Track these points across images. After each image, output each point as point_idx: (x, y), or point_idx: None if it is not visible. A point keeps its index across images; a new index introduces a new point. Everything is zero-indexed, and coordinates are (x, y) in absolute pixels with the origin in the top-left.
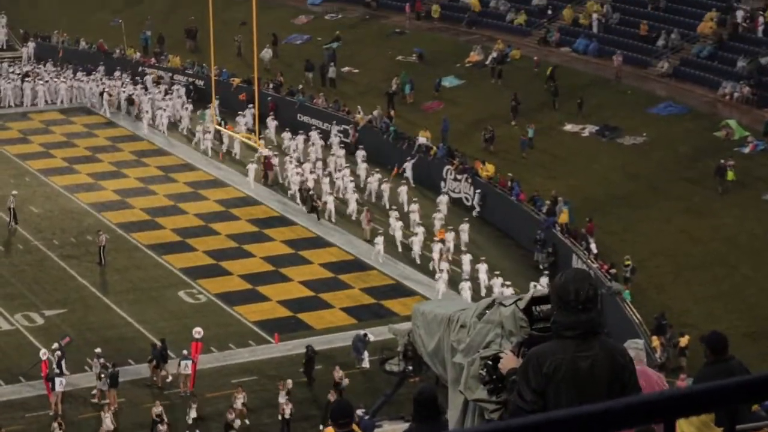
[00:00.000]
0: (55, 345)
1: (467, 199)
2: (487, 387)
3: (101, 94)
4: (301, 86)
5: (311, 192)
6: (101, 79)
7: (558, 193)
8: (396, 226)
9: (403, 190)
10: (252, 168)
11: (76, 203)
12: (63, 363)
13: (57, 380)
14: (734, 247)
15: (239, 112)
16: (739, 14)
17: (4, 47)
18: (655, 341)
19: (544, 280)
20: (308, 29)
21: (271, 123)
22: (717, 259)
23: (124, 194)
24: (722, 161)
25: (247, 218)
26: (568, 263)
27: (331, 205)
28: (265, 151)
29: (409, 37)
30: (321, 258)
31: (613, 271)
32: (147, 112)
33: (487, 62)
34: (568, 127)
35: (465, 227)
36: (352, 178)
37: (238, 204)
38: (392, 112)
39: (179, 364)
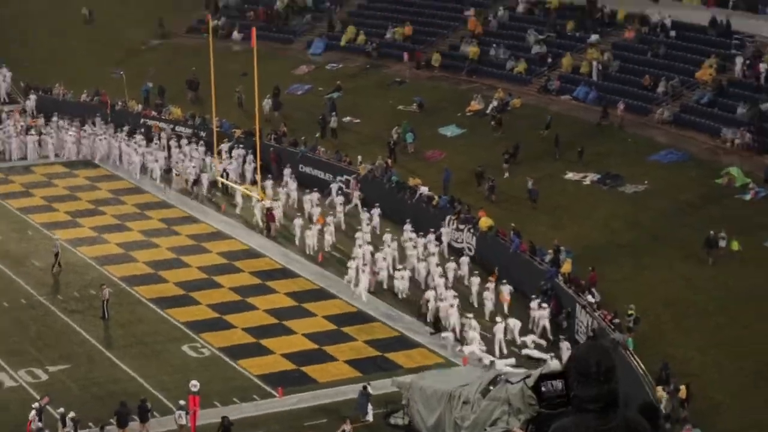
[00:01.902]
0: (36, 405)
1: (469, 249)
2: None
3: (167, 171)
4: (303, 137)
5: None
6: (141, 147)
7: (560, 242)
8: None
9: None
10: (258, 208)
11: (79, 257)
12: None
13: None
14: (736, 295)
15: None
16: (738, 61)
17: (7, 100)
18: (660, 392)
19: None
20: (309, 79)
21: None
22: (719, 308)
23: (127, 247)
24: (712, 233)
25: (250, 270)
26: (572, 313)
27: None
28: (268, 203)
29: (410, 86)
30: (324, 310)
31: (616, 320)
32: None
33: (488, 111)
34: (570, 175)
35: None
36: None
37: (241, 256)
38: (389, 161)
39: (176, 415)
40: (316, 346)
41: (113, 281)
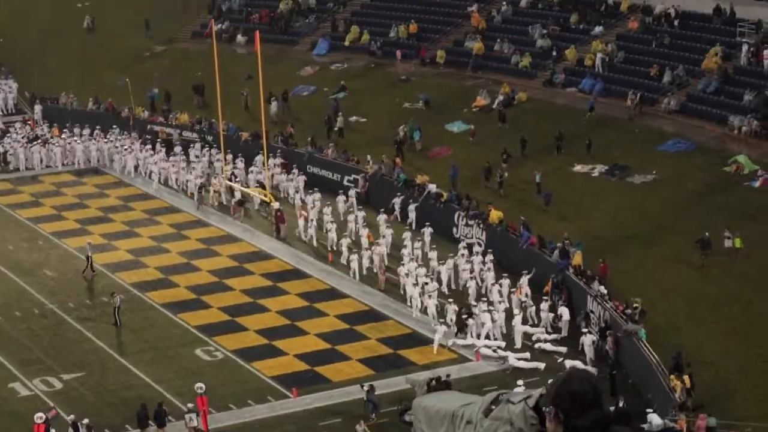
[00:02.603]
0: (40, 415)
1: (480, 245)
2: None
3: (200, 189)
4: (309, 138)
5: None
6: (190, 167)
7: (569, 235)
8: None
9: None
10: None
11: None
12: None
13: None
14: (747, 281)
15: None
16: (744, 48)
17: (14, 111)
18: (674, 380)
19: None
20: (314, 80)
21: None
22: (730, 295)
23: (138, 254)
24: (707, 233)
25: (261, 272)
26: (583, 307)
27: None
28: (277, 205)
29: (415, 83)
30: (336, 309)
31: (628, 311)
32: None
33: (494, 106)
34: (577, 168)
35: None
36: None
37: (252, 258)
38: (398, 160)
39: (186, 419)
40: (329, 346)
41: (125, 288)
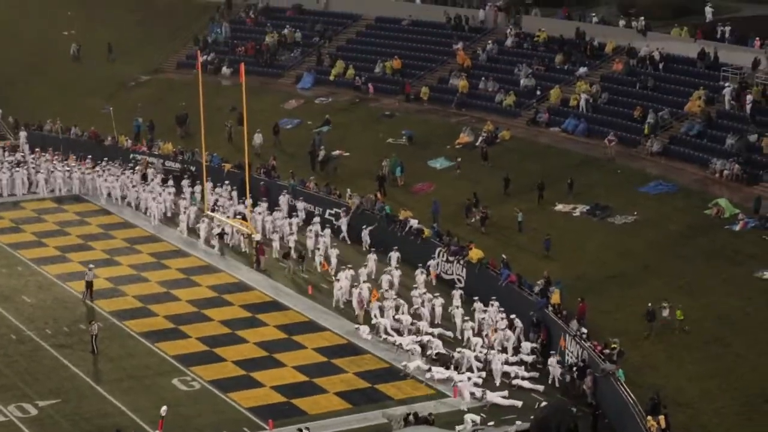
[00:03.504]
0: None
1: (459, 281)
2: None
3: (220, 236)
4: (291, 170)
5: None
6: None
7: (550, 273)
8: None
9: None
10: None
11: (69, 292)
12: None
13: None
14: (727, 324)
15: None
16: (727, 92)
17: None
18: (650, 421)
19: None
20: (299, 113)
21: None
22: (710, 338)
23: (117, 281)
24: (650, 305)
25: (240, 304)
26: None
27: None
28: (258, 237)
29: (399, 119)
30: (314, 342)
31: (606, 351)
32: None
33: (477, 143)
34: (559, 207)
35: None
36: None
37: (231, 290)
38: (379, 195)
39: None
40: (306, 378)
41: (103, 315)
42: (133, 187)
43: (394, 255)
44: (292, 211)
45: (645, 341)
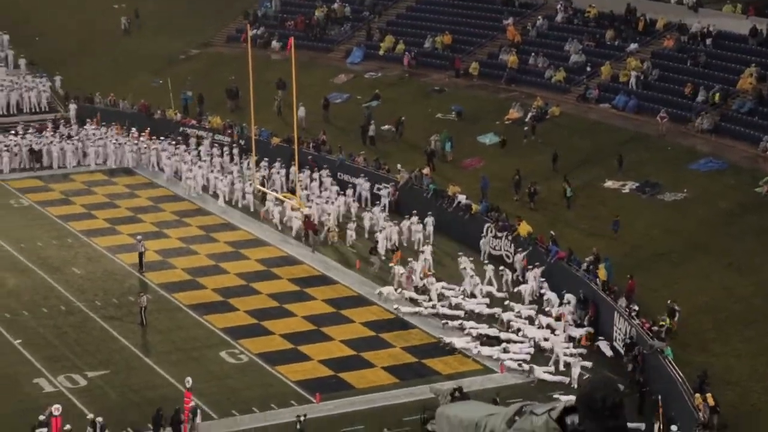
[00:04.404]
0: (57, 406)
1: (508, 257)
2: None
3: (313, 231)
4: (340, 145)
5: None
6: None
7: (598, 250)
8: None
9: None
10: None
11: (119, 264)
12: None
13: None
14: None
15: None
16: None
17: (47, 109)
18: (698, 399)
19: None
20: (348, 88)
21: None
22: (759, 315)
23: (166, 254)
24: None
25: (289, 277)
26: (610, 322)
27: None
28: (306, 210)
29: (448, 94)
30: (362, 317)
31: (654, 328)
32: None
33: (526, 119)
34: (609, 183)
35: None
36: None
37: (280, 263)
38: (425, 170)
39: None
40: (353, 353)
41: (152, 288)
42: (184, 162)
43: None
44: (375, 199)
45: (693, 319)
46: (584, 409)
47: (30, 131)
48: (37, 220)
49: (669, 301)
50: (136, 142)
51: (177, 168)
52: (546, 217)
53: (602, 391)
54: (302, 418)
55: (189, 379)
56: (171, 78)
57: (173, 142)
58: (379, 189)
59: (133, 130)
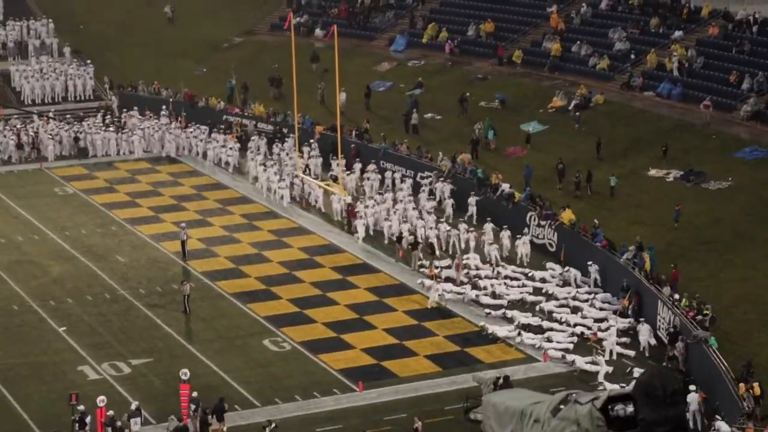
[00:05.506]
0: (102, 398)
1: (551, 246)
2: None
3: (402, 242)
4: (383, 133)
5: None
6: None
7: (642, 239)
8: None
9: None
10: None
11: (162, 252)
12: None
13: None
14: None
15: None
16: None
17: (91, 97)
18: (742, 389)
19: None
20: (391, 76)
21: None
22: None
23: (209, 243)
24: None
25: (331, 266)
26: (653, 311)
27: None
28: (349, 199)
29: (491, 83)
30: (405, 305)
31: (699, 318)
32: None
33: (570, 107)
34: (653, 172)
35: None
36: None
37: (322, 251)
38: (464, 156)
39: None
40: (396, 341)
41: (195, 276)
42: (230, 148)
43: (489, 227)
44: (430, 195)
45: (736, 308)
46: (643, 397)
47: (73, 119)
48: (82, 208)
49: (695, 302)
50: (182, 129)
51: (229, 161)
52: (590, 205)
53: (661, 379)
54: (272, 425)
55: (186, 371)
56: (215, 66)
57: (218, 131)
58: (422, 178)
59: (180, 117)
